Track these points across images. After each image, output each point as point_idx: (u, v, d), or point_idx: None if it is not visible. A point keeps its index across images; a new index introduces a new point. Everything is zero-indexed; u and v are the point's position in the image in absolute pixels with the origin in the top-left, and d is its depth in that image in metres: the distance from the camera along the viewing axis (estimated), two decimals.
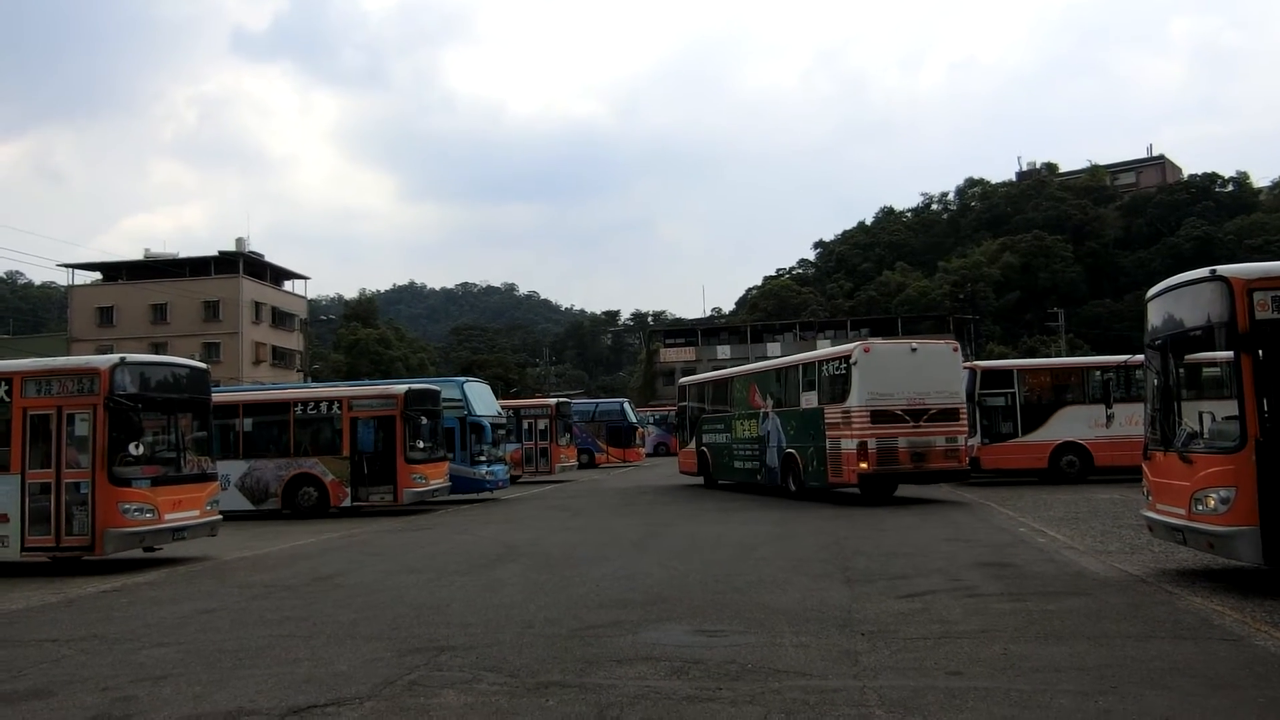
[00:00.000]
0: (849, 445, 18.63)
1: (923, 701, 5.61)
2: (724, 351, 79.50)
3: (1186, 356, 9.92)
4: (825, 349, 22.85)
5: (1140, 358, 10.73)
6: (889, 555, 12.07)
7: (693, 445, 28.05)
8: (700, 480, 27.68)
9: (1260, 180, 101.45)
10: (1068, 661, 6.44)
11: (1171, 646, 6.77)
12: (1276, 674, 6.00)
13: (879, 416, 18.42)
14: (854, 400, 18.68)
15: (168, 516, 13.11)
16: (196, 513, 13.73)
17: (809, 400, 20.58)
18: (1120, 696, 5.57)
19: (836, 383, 19.54)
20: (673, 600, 9.27)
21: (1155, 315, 9.79)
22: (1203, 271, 8.81)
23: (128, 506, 12.63)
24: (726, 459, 25.29)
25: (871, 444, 18.37)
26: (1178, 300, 9.31)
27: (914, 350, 19.53)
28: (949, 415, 18.98)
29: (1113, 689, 5.73)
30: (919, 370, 18.94)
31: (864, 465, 18.37)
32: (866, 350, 18.97)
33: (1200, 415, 9.45)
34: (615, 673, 6.53)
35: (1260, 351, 8.17)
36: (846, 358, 19.18)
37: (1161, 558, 10.89)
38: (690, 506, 21.01)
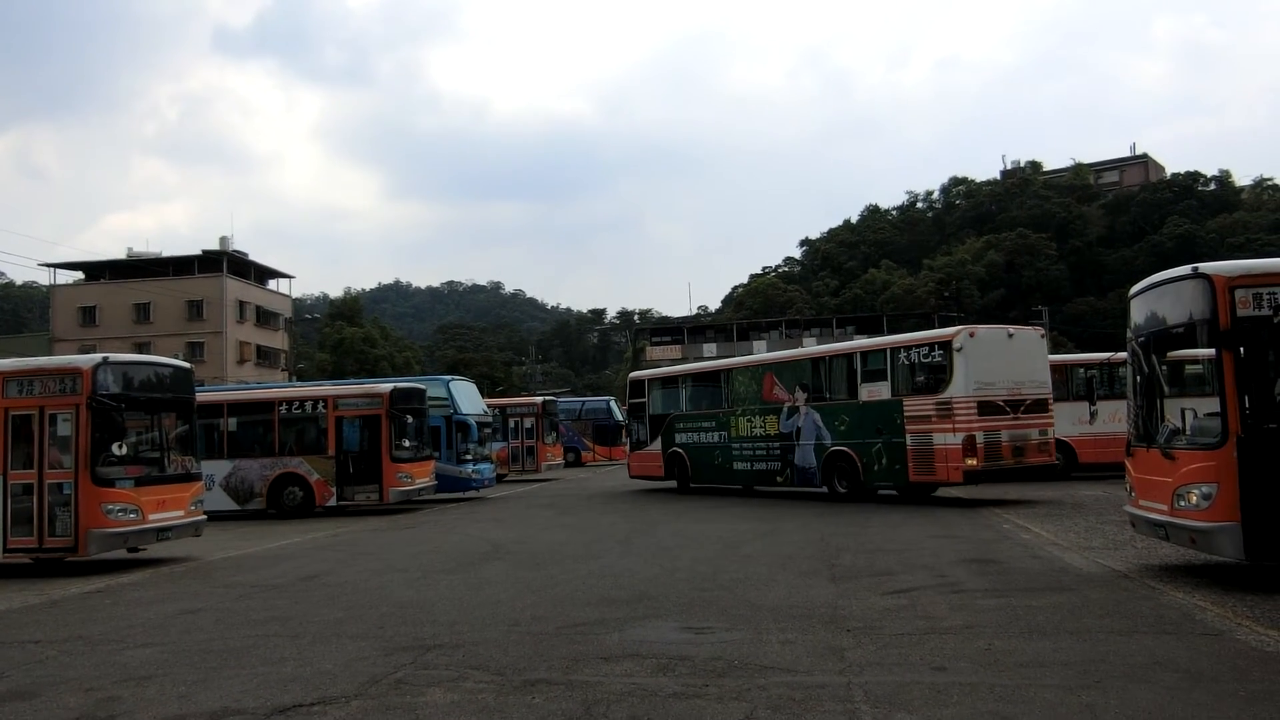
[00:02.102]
0: (949, 440, 17.08)
1: (907, 697, 5.64)
2: (710, 349, 79.41)
3: (1169, 354, 10.00)
4: (908, 334, 20.94)
5: (1123, 355, 10.80)
6: (874, 552, 12.12)
7: (657, 447, 25.10)
8: (665, 485, 25.56)
9: (1242, 179, 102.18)
10: (1051, 656, 6.48)
11: (1154, 641, 6.82)
12: (1258, 668, 6.06)
13: (984, 408, 17.05)
14: (957, 390, 17.11)
15: (152, 517, 13.03)
16: (181, 513, 13.66)
17: (874, 392, 18.81)
18: (1103, 691, 5.61)
19: (926, 371, 18.04)
20: (659, 597, 9.28)
21: (1138, 313, 9.85)
22: (1185, 269, 8.87)
23: (111, 507, 12.55)
24: (717, 460, 23.05)
25: (980, 437, 16.94)
26: (1160, 298, 9.37)
27: (1010, 336, 18.16)
28: (1041, 406, 17.68)
29: (1096, 683, 5.77)
30: (1015, 358, 17.66)
31: (972, 462, 16.84)
32: (973, 335, 17.41)
33: (1182, 412, 9.52)
34: (601, 670, 6.53)
35: (1241, 348, 8.23)
36: (944, 343, 17.61)
37: (1144, 553, 10.97)
38: (677, 505, 21.02)
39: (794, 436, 20.68)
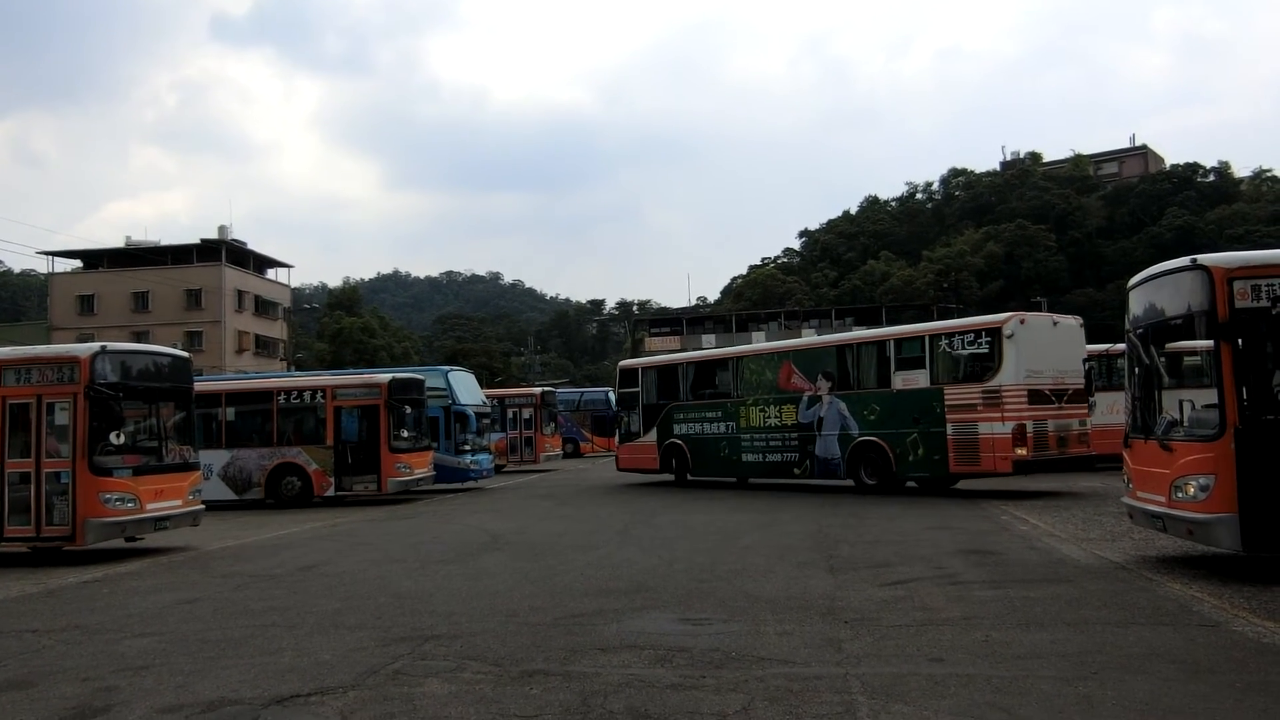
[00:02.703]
0: (998, 429, 16.74)
1: (905, 688, 5.64)
2: (709, 340, 79.45)
3: (1167, 345, 9.99)
4: (949, 321, 20.69)
5: (1121, 346, 10.80)
6: (872, 543, 12.13)
7: (651, 438, 24.31)
8: (659, 478, 24.83)
9: (1241, 170, 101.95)
10: (1048, 648, 6.49)
11: (1151, 632, 6.83)
12: (1254, 659, 6.06)
13: (1033, 397, 16.71)
14: (1007, 378, 16.75)
15: (149, 506, 13.02)
16: (179, 502, 13.64)
17: (910, 380, 18.37)
18: (1100, 682, 5.62)
19: (971, 359, 17.57)
20: (657, 588, 9.29)
21: (1136, 304, 9.85)
22: (1183, 260, 8.86)
23: (109, 496, 12.54)
24: (723, 452, 22.33)
25: (1030, 426, 16.63)
26: (1159, 289, 9.36)
27: (1055, 325, 17.88)
28: (1080, 396, 17.00)
29: (1093, 675, 5.78)
30: (1059, 347, 17.26)
31: (1022, 451, 16.54)
32: (1023, 322, 17.13)
33: (1180, 403, 9.52)
34: (599, 661, 6.54)
35: (1240, 340, 8.23)
36: (993, 330, 17.20)
37: (1142, 545, 10.98)
38: (674, 495, 21.03)
39: (815, 426, 20.15)
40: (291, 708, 5.70)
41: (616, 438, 26.29)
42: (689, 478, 23.56)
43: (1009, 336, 16.83)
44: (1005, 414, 16.74)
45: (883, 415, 18.87)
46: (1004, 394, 16.77)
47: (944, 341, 18.12)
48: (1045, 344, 17.21)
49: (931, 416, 17.86)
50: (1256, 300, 8.16)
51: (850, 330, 51.55)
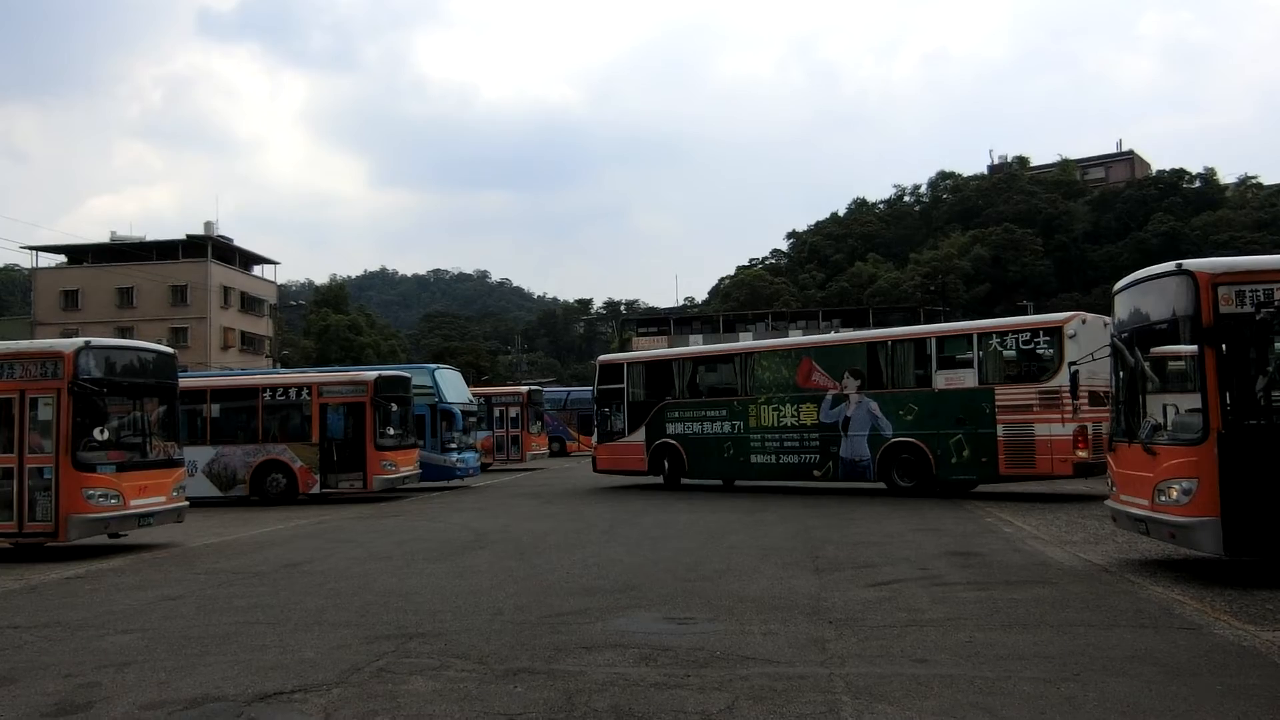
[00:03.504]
0: (1057, 431, 16.29)
1: (889, 688, 5.66)
2: (696, 341, 79.54)
3: (1152, 349, 10.04)
4: (1000, 319, 19.99)
5: (1104, 350, 10.85)
6: (857, 544, 12.17)
7: (638, 438, 22.85)
8: (645, 480, 23.67)
9: (1226, 176, 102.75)
10: (1031, 649, 6.52)
11: (1133, 635, 6.87)
12: (1235, 662, 6.11)
13: (1094, 398, 15.99)
14: (1069, 379, 16.15)
15: (133, 502, 12.95)
16: (163, 499, 13.58)
17: (954, 380, 17.84)
18: (1082, 684, 5.65)
19: (1027, 358, 17.13)
20: (642, 588, 9.29)
21: (1122, 309, 9.91)
22: (1168, 265, 8.91)
23: (92, 492, 12.47)
24: (727, 453, 21.20)
25: (1090, 428, 16.14)
26: (1144, 294, 9.42)
27: (1105, 325, 17.07)
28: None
29: (1075, 676, 5.81)
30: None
31: (1083, 454, 16.14)
32: (1084, 322, 16.63)
33: (1164, 408, 9.58)
34: (584, 659, 6.54)
35: (1224, 345, 8.29)
36: (1052, 329, 16.76)
37: (1125, 548, 11.05)
38: (660, 495, 21.02)
39: (840, 427, 19.34)
40: (275, 705, 5.68)
41: (594, 437, 24.69)
42: (683, 481, 22.47)
43: (1071, 336, 16.33)
44: (1065, 415, 16.25)
45: (921, 416, 18.26)
46: (1065, 395, 15.86)
47: (995, 340, 17.63)
48: (1101, 345, 16.83)
49: (980, 417, 17.32)
50: (1240, 306, 8.22)
51: (837, 331, 51.48)
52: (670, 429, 22.49)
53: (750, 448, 20.91)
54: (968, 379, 17.73)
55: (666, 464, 22.54)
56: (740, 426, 21.12)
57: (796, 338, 25.84)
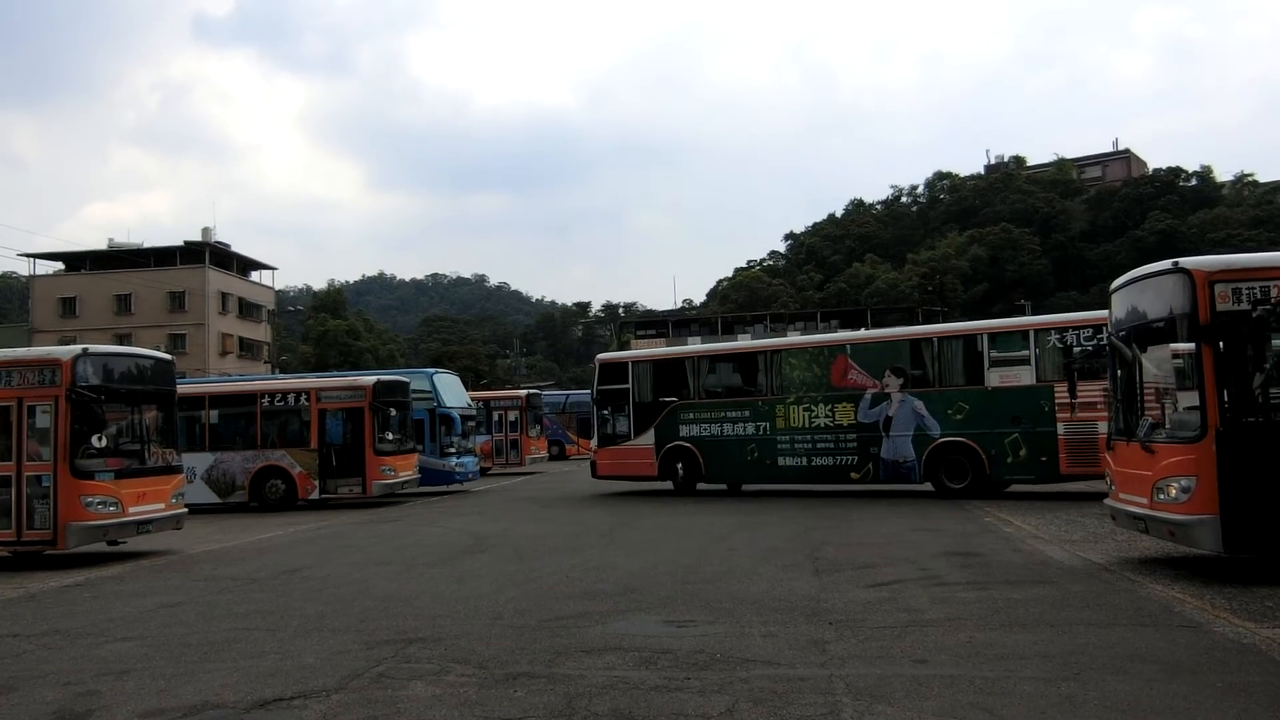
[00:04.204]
0: None
1: (889, 689, 5.66)
2: (695, 343, 79.61)
3: (1149, 348, 10.05)
4: (1059, 315, 19.39)
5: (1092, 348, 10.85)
6: (857, 545, 12.16)
7: (646, 441, 21.57)
8: (645, 485, 22.52)
9: (1223, 174, 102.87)
10: (1031, 649, 6.52)
11: (1133, 633, 6.87)
12: (1235, 659, 6.11)
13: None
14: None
15: (132, 510, 12.94)
16: (161, 506, 13.56)
17: (1009, 377, 17.27)
18: (1082, 683, 5.65)
19: (1091, 355, 16.37)
20: (642, 590, 9.29)
21: (1119, 307, 9.92)
22: (1165, 264, 8.93)
23: (90, 500, 12.45)
24: (751, 456, 20.18)
25: None
26: (1141, 292, 9.43)
27: None
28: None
29: (1075, 675, 5.81)
30: None
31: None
32: None
33: (1162, 406, 9.59)
34: (584, 663, 6.53)
35: (1221, 343, 8.29)
36: None
37: (1124, 546, 11.05)
38: (660, 498, 20.99)
39: (881, 427, 18.69)
40: (274, 711, 5.68)
41: (594, 440, 23.18)
42: (699, 486, 21.40)
43: None
44: None
45: (972, 414, 17.71)
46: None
47: (1054, 336, 17.09)
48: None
49: (1038, 415, 16.85)
50: (1237, 303, 8.22)
51: (836, 332, 51.38)
52: (684, 431, 21.23)
53: (778, 450, 19.94)
54: (1024, 376, 17.15)
55: (680, 468, 21.26)
56: (766, 428, 20.12)
57: (830, 334, 24.62)
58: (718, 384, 21.67)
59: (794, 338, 24.33)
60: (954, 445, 17.89)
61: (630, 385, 22.21)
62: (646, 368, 22.53)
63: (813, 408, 19.62)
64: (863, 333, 22.84)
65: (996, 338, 17.96)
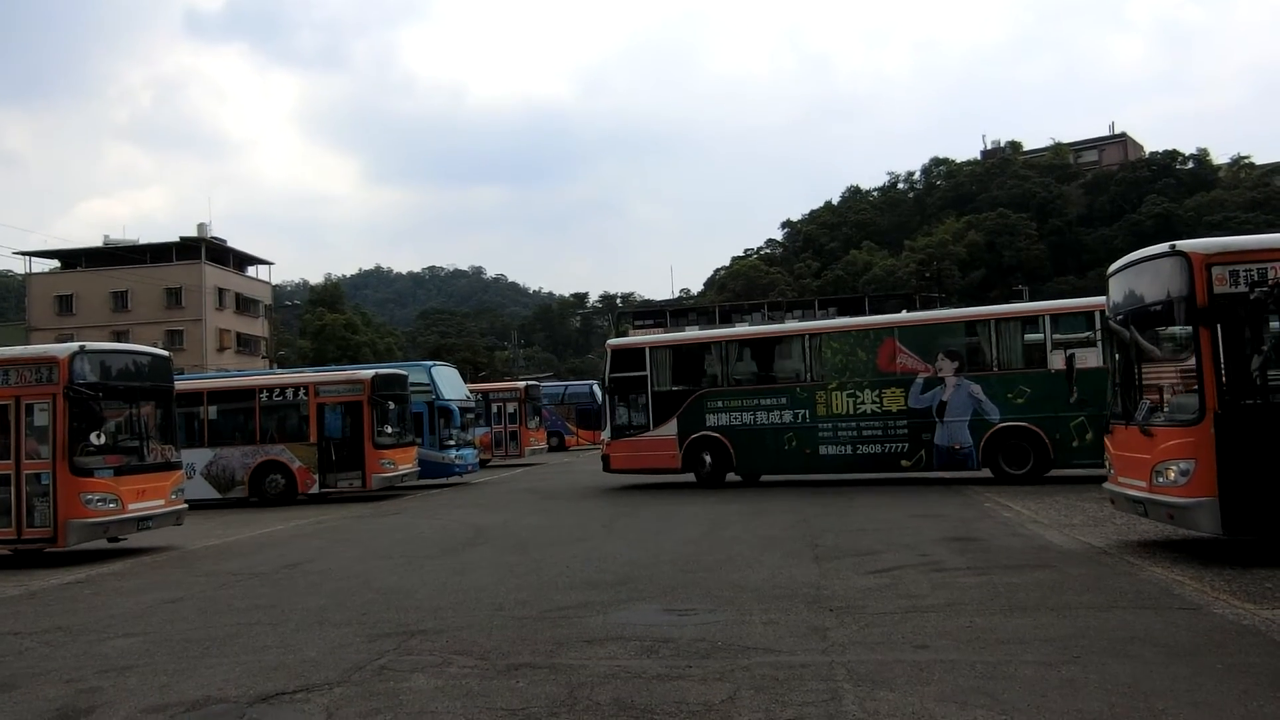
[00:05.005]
0: None
1: (890, 675, 5.67)
2: (693, 333, 79.51)
3: (1147, 331, 10.04)
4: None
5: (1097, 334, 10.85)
6: (857, 532, 12.18)
7: (668, 431, 20.29)
8: (648, 478, 21.68)
9: (1219, 157, 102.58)
10: (1032, 633, 6.53)
11: (1133, 616, 6.89)
12: (1234, 641, 6.12)
13: None
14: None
15: (131, 506, 12.94)
16: (161, 502, 13.56)
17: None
18: (1083, 666, 5.66)
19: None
20: (643, 580, 9.30)
21: (1116, 291, 9.92)
22: (1163, 247, 8.92)
23: (90, 497, 12.45)
24: (789, 445, 19.24)
25: None
26: (1138, 275, 9.43)
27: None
28: None
29: (1075, 659, 5.82)
30: None
31: None
32: None
33: (1160, 389, 9.59)
34: (585, 653, 6.54)
35: (1218, 325, 8.30)
36: None
37: (1123, 530, 11.07)
38: (659, 488, 20.97)
39: (934, 413, 18.11)
40: (277, 705, 5.68)
41: (606, 432, 21.58)
42: (728, 477, 20.28)
43: None
44: None
45: (1035, 398, 17.17)
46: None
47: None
48: None
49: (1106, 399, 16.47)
50: (1234, 285, 8.22)
51: (832, 319, 51.25)
52: (712, 420, 20.03)
53: (819, 439, 19.08)
54: (1090, 358, 16.04)
55: (708, 459, 20.07)
56: (805, 415, 19.22)
57: (876, 316, 23.49)
58: (749, 370, 20.62)
59: (836, 320, 23.31)
60: (1015, 430, 17.39)
61: (648, 372, 20.84)
62: (666, 353, 21.18)
63: (858, 393, 18.86)
64: (912, 315, 22.01)
65: (1060, 319, 17.56)
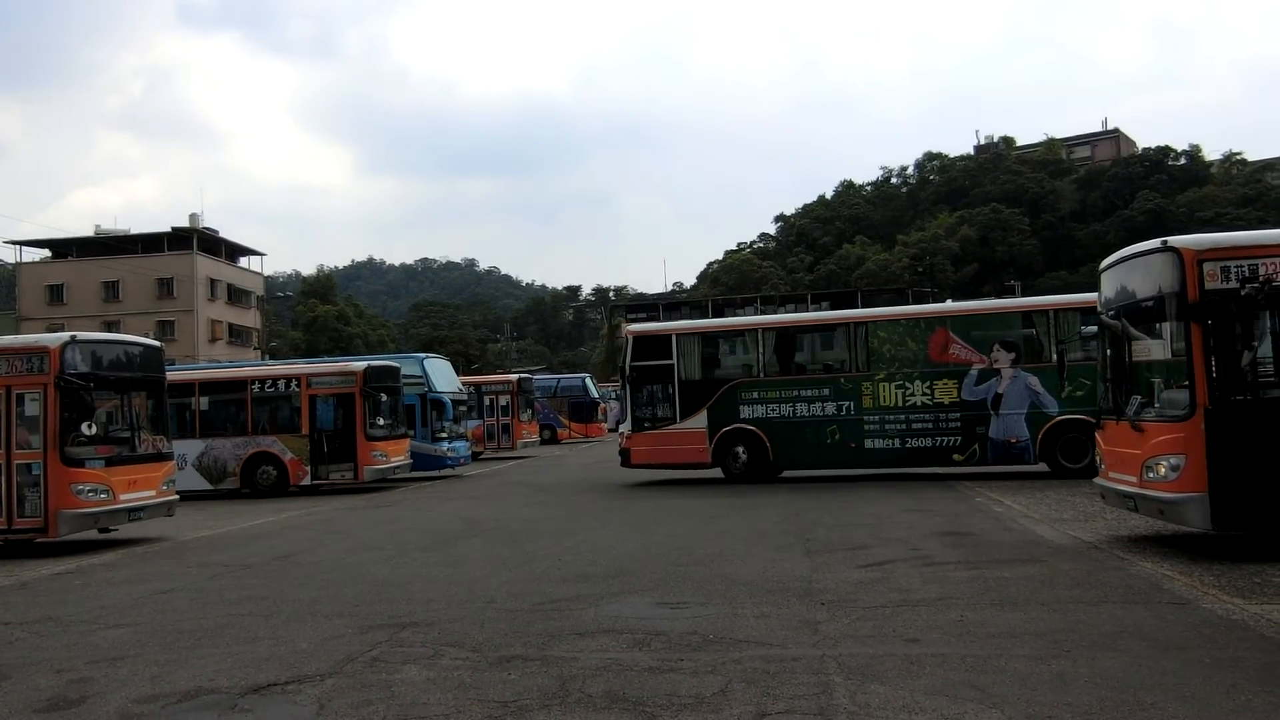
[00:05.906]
0: None
1: (881, 668, 5.69)
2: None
3: (1139, 326, 10.07)
4: None
5: (1092, 328, 10.88)
6: (849, 525, 12.21)
7: (697, 423, 19.09)
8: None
9: (1212, 153, 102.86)
10: (1022, 627, 6.56)
11: (1123, 611, 6.92)
12: (1223, 635, 6.16)
13: None
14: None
15: (123, 497, 12.90)
16: (152, 493, 13.53)
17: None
18: (1073, 660, 5.69)
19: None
20: (635, 573, 9.31)
21: (1108, 286, 9.96)
22: (1154, 242, 8.96)
23: (81, 487, 12.42)
24: (832, 438, 18.43)
25: None
26: (1130, 271, 9.46)
27: None
28: None
29: (1065, 653, 5.85)
30: None
31: None
32: None
33: (1151, 384, 9.63)
34: (577, 645, 6.55)
35: (1210, 321, 8.33)
36: None
37: (1114, 525, 11.11)
38: (652, 482, 20.96)
39: (989, 405, 17.59)
40: (269, 696, 5.68)
41: (625, 425, 20.20)
42: (763, 473, 19.07)
43: None
44: None
45: (1096, 391, 16.99)
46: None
47: None
48: None
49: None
50: (1226, 281, 8.26)
51: (829, 311, 51.24)
52: (746, 412, 18.97)
53: (865, 431, 18.35)
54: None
55: (742, 453, 19.05)
56: (850, 407, 18.44)
57: (926, 305, 23.32)
58: (788, 360, 19.67)
59: (885, 309, 22.90)
60: (1074, 424, 16.85)
61: (674, 361, 19.52)
62: (695, 341, 20.05)
63: (907, 385, 18.19)
64: (967, 304, 21.50)
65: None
